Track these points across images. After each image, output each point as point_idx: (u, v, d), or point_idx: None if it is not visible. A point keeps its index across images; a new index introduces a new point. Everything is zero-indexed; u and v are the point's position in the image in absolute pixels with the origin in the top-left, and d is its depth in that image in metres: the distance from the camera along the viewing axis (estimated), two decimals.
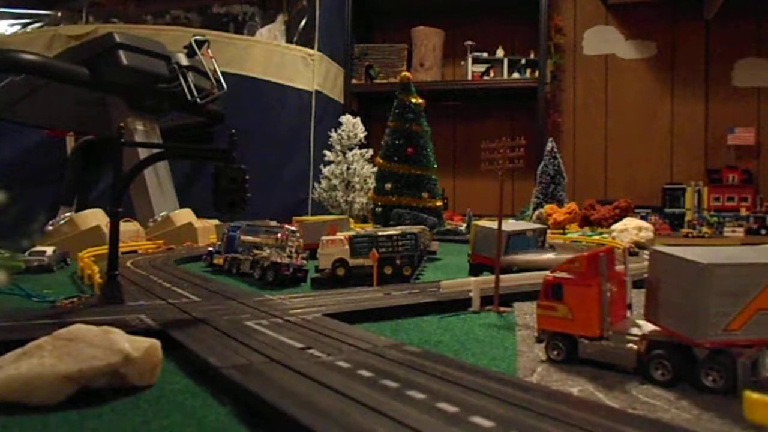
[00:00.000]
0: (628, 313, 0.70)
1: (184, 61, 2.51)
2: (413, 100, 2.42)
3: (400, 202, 2.39)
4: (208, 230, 2.26)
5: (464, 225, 3.05)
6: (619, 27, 4.23)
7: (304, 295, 1.04)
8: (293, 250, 1.31)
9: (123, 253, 1.54)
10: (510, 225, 1.37)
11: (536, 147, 3.48)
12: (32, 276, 1.40)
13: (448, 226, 2.84)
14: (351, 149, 3.21)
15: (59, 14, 4.08)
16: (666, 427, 0.46)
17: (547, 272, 0.69)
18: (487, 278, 1.05)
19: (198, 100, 2.46)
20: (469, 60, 4.12)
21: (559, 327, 0.66)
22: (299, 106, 3.53)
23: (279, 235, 1.32)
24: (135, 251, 1.87)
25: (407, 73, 2.54)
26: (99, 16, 4.00)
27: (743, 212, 3.62)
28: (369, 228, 2.12)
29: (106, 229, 1.75)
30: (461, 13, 4.39)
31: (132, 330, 0.63)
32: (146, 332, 0.65)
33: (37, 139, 3.23)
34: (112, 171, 1.02)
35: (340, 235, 1.33)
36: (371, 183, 2.96)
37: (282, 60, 3.51)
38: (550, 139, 3.20)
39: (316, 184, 3.31)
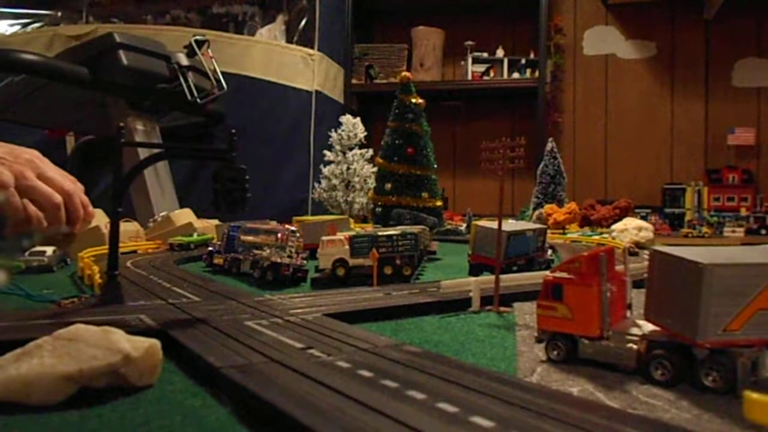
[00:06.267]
0: (628, 313, 0.70)
1: (184, 61, 2.51)
2: (413, 100, 2.42)
3: (400, 202, 2.39)
4: (208, 230, 2.26)
5: (464, 225, 3.05)
6: (619, 27, 4.23)
7: (304, 295, 1.04)
8: (293, 250, 1.30)
9: (123, 253, 1.54)
10: (510, 225, 1.37)
11: (536, 147, 3.48)
12: (32, 276, 1.40)
13: (448, 226, 2.84)
14: (351, 149, 3.21)
15: (59, 14, 4.08)
16: (666, 427, 0.46)
17: (547, 272, 0.69)
18: (487, 278, 1.04)
19: (198, 100, 2.46)
20: (469, 60, 4.12)
21: (559, 327, 0.66)
22: (299, 106, 3.53)
23: (279, 235, 1.32)
24: (135, 251, 1.87)
25: (407, 73, 2.54)
26: (99, 16, 4.00)
27: (743, 212, 3.62)
28: (369, 228, 2.12)
29: (105, 230, 1.75)
30: (461, 13, 4.39)
31: (132, 330, 0.63)
32: (146, 332, 0.65)
33: (37, 139, 3.23)
34: (112, 171, 1.02)
35: (340, 235, 1.32)
36: (371, 183, 2.96)
37: (282, 60, 3.51)
38: (550, 139, 3.21)
39: (316, 184, 3.31)
